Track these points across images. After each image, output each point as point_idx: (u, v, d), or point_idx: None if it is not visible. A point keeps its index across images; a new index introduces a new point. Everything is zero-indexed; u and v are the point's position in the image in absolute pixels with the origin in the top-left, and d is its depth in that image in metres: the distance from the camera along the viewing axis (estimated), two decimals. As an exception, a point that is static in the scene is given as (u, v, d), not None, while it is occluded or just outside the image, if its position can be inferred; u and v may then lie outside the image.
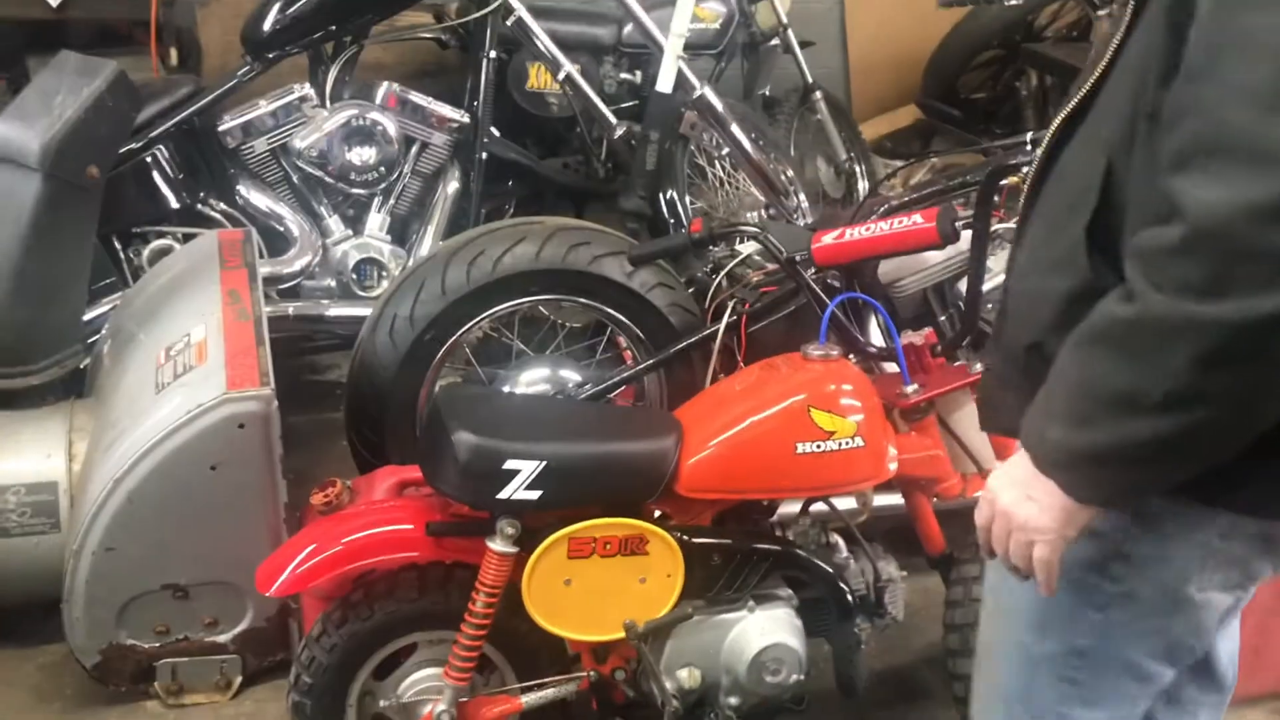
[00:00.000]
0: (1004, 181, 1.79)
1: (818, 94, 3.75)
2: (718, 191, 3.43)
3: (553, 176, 3.29)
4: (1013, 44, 3.96)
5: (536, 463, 1.61)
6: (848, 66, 4.23)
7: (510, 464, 1.60)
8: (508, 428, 1.67)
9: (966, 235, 1.86)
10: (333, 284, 2.85)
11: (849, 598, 1.81)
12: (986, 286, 2.28)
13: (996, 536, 1.08)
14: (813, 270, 2.08)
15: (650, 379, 2.36)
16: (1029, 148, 1.70)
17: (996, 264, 2.32)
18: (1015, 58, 4.00)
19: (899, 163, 3.85)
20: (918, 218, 1.83)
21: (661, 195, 2.89)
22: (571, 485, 1.65)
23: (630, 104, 3.27)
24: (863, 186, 3.81)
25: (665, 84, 2.75)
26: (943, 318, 2.36)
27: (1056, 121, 1.08)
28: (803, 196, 3.55)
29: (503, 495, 1.60)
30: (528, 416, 1.78)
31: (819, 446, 1.69)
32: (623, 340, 2.39)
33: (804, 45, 3.75)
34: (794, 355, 1.81)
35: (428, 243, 2.89)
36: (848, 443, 1.70)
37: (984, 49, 4.06)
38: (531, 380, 2.29)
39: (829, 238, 1.92)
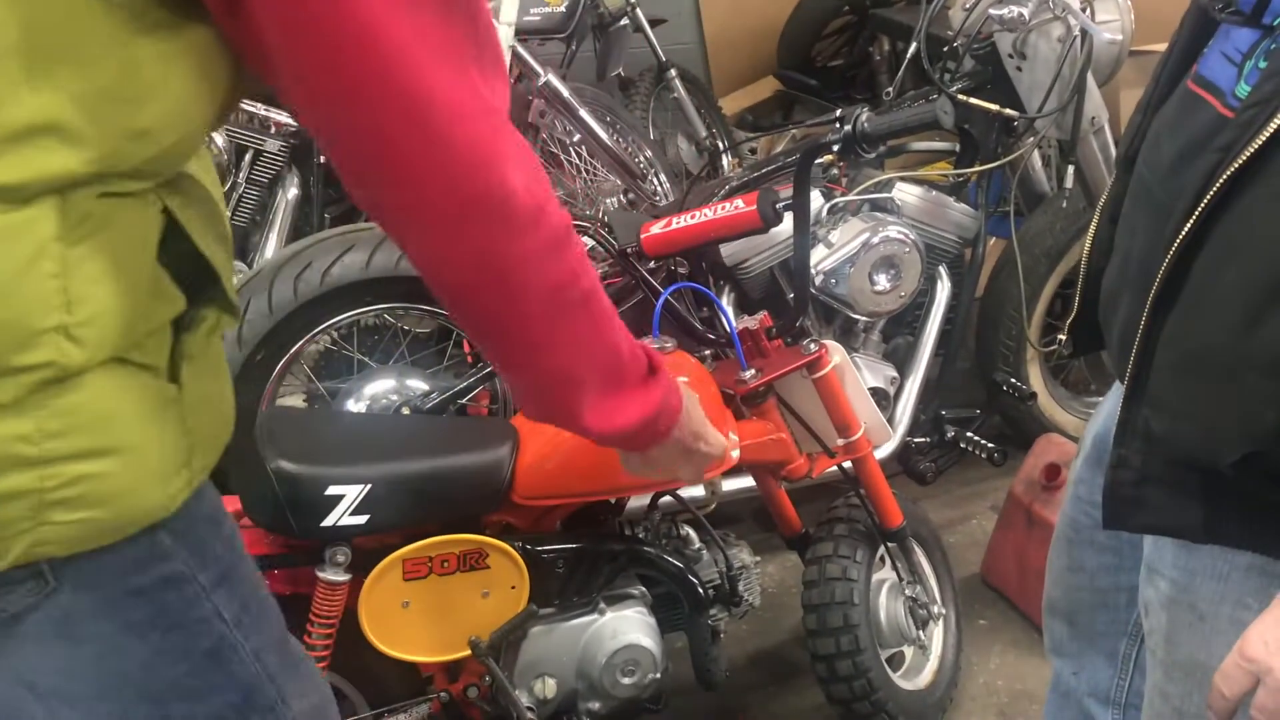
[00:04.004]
0: (819, 160, 1.78)
1: (672, 72, 3.73)
2: (575, 179, 3.39)
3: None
4: (862, 9, 3.98)
5: (360, 486, 1.55)
6: (704, 41, 4.20)
7: (332, 490, 1.54)
8: (328, 452, 1.60)
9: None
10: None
11: (700, 590, 1.80)
12: (829, 262, 2.30)
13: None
14: (650, 261, 2.05)
15: (502, 381, 2.32)
16: (838, 125, 1.69)
17: (841, 236, 2.34)
18: (866, 23, 4.02)
19: (754, 134, 3.85)
20: (739, 202, 1.81)
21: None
22: (400, 506, 1.59)
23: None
24: (726, 161, 3.80)
25: (504, 74, 2.69)
26: (791, 295, 2.37)
27: (1224, 177, 0.87)
28: (663, 178, 3.53)
29: (327, 523, 1.54)
30: (351, 438, 1.72)
31: (656, 442, 1.67)
32: (469, 344, 2.33)
33: (656, 23, 3.72)
34: (630, 350, 1.78)
35: (269, 254, 2.79)
36: (685, 435, 1.68)
37: (834, 16, 4.07)
38: (376, 393, 2.23)
39: (657, 228, 1.90)
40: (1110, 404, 1.22)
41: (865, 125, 1.67)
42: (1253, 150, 0.84)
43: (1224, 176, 0.86)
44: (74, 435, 0.72)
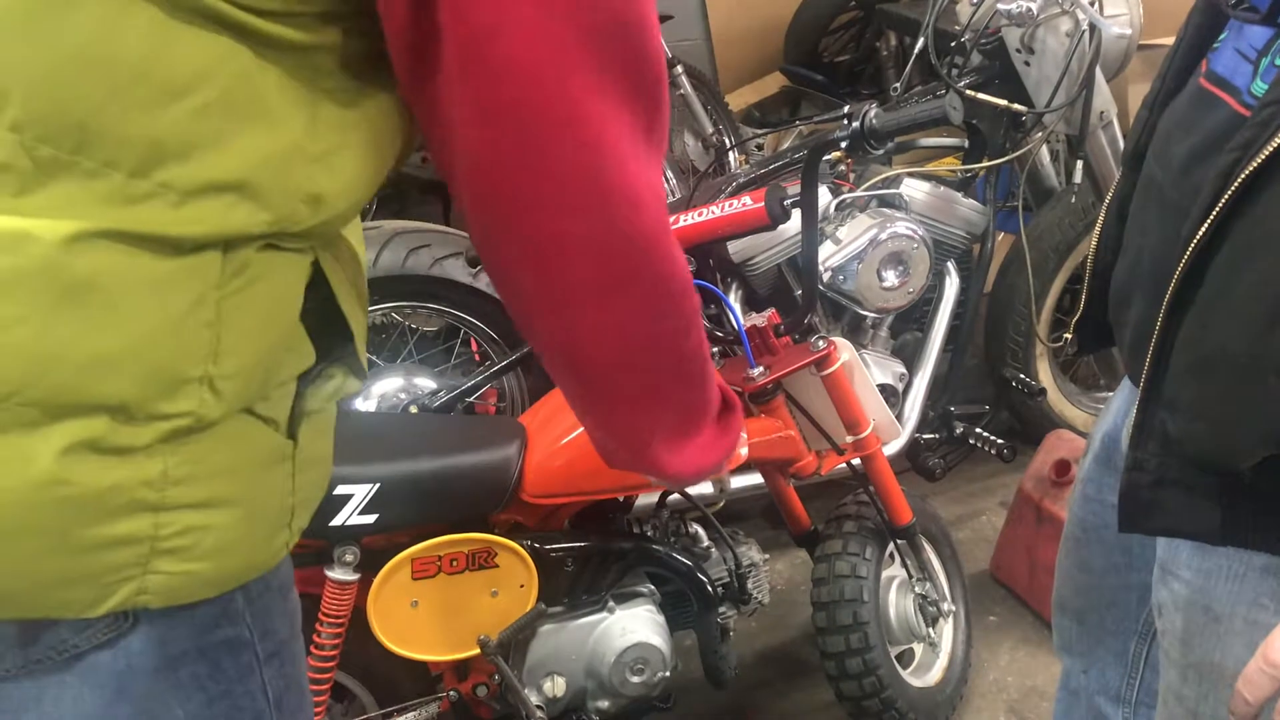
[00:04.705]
0: (827, 156, 1.77)
1: (679, 68, 3.72)
2: (582, 176, 3.38)
3: (413, 173, 3.20)
4: (868, 4, 3.96)
5: (369, 485, 1.55)
6: (710, 37, 4.19)
7: (341, 489, 1.54)
8: (336, 451, 1.59)
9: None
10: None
11: (709, 588, 1.79)
12: (838, 259, 2.30)
13: None
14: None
15: (510, 380, 2.32)
16: (846, 122, 1.68)
17: (849, 233, 2.33)
18: (872, 18, 4.00)
19: (761, 130, 3.84)
20: (747, 199, 1.81)
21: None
22: (409, 505, 1.59)
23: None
24: (733, 158, 3.79)
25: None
26: (798, 292, 2.36)
27: (1242, 176, 0.84)
28: (669, 174, 3.53)
29: (336, 522, 1.54)
30: (359, 437, 1.72)
31: (664, 440, 1.66)
32: (476, 343, 2.33)
33: (661, 19, 3.70)
34: (638, 347, 1.78)
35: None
36: (694, 433, 1.68)
37: (840, 11, 4.05)
38: (384, 391, 2.23)
39: (664, 225, 1.89)
40: (1119, 402, 1.21)
41: (874, 121, 1.66)
42: (1272, 148, 0.82)
43: (1242, 175, 0.84)
44: (196, 484, 0.71)
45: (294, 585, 0.88)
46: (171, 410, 0.68)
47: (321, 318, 0.79)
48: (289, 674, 0.86)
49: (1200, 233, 0.87)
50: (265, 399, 0.75)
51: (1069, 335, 1.24)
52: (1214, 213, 0.86)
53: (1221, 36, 0.98)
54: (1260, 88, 0.88)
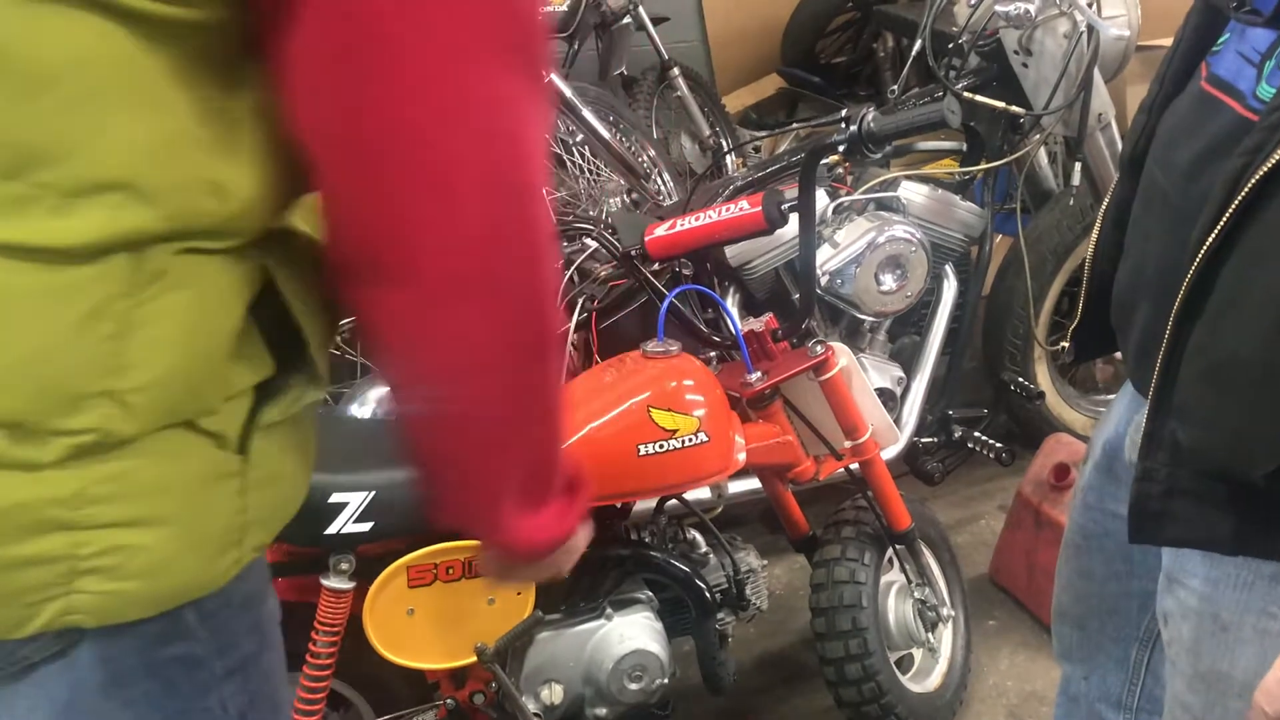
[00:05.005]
0: (825, 160, 1.76)
1: (675, 70, 3.71)
2: (579, 179, 3.37)
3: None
4: (865, 5, 3.95)
5: (364, 493, 1.54)
6: (706, 39, 4.18)
7: (336, 497, 1.53)
8: (331, 458, 1.59)
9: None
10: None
11: (707, 595, 1.79)
12: (835, 263, 2.29)
13: None
14: (654, 263, 2.04)
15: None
16: (844, 125, 1.67)
17: (846, 236, 2.32)
18: (870, 20, 3.99)
19: (759, 133, 3.83)
20: (744, 203, 1.80)
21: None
22: (405, 513, 1.58)
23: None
24: (729, 161, 3.79)
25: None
26: (796, 296, 2.36)
27: (1252, 181, 0.83)
28: (667, 177, 3.51)
29: (331, 530, 1.53)
30: (354, 443, 1.71)
31: (661, 446, 1.66)
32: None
33: (659, 21, 3.70)
34: (636, 353, 1.77)
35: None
36: (691, 439, 1.67)
37: (837, 12, 4.05)
38: (381, 397, 2.21)
39: (661, 230, 1.88)
40: (1120, 408, 1.20)
41: (871, 125, 1.65)
42: None
43: (1252, 180, 0.83)
44: (119, 502, 0.67)
45: (267, 597, 0.84)
46: (72, 426, 0.64)
47: (280, 325, 0.74)
48: (255, 689, 0.82)
49: (1210, 239, 0.86)
50: (212, 413, 0.70)
51: (1065, 344, 1.23)
52: (1224, 218, 0.85)
53: (1222, 39, 0.97)
54: (1267, 91, 0.87)
